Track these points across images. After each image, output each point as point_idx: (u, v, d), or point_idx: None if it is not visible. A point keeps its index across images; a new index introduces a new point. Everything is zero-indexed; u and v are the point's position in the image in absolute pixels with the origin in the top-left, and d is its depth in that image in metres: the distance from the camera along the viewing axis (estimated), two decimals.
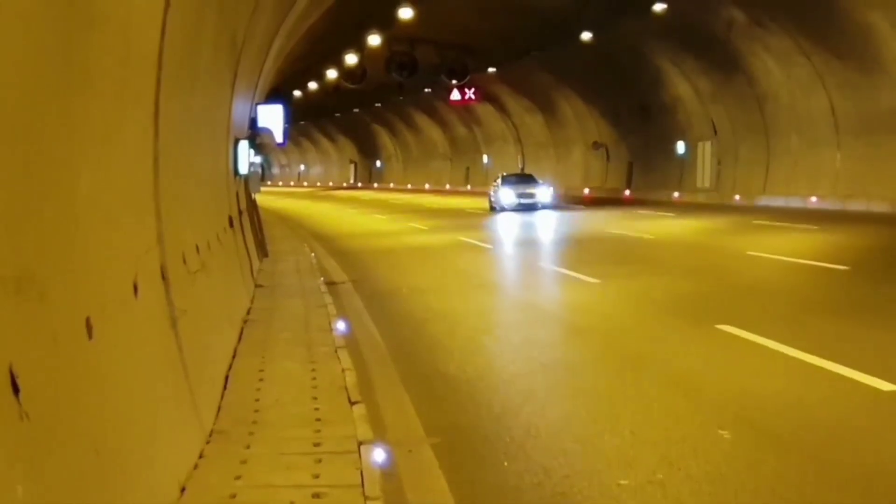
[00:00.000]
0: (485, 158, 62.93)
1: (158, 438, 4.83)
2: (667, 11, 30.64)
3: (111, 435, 3.93)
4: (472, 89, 50.67)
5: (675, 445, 6.15)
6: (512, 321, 12.20)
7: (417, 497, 5.48)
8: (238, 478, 5.22)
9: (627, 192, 42.92)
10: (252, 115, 18.36)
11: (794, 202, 30.90)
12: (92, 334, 3.73)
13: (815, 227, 22.25)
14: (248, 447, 5.82)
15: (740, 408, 7.07)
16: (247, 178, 16.64)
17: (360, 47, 38.63)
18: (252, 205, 18.79)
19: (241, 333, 9.76)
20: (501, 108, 56.39)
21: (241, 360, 8.49)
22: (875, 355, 8.48)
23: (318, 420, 6.41)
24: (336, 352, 8.74)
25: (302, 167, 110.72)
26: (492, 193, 38.55)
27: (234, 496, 4.94)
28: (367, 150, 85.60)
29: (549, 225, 29.19)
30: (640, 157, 43.19)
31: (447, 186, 67.12)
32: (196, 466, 5.34)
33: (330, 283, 14.87)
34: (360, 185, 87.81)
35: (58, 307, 3.46)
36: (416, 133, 72.66)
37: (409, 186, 73.23)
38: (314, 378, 7.72)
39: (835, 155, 30.25)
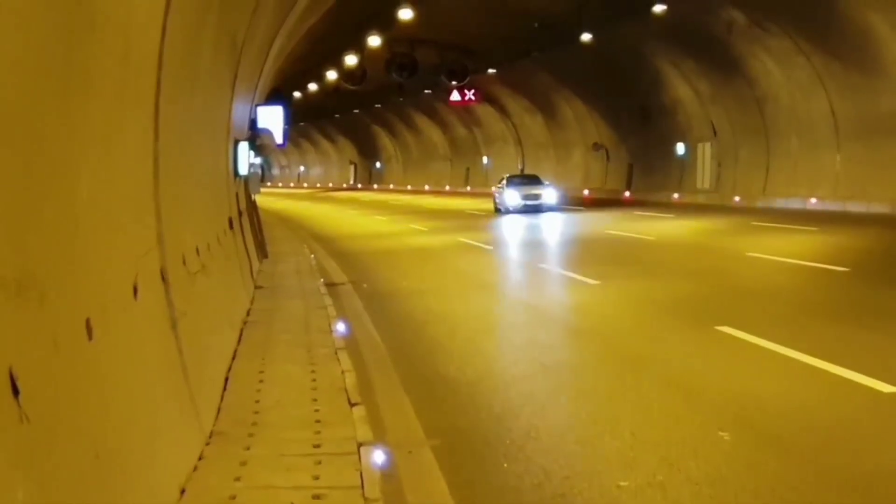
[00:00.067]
0: (485, 160, 62.92)
1: (158, 440, 4.83)
2: (666, 13, 30.63)
3: (111, 437, 3.93)
4: (472, 90, 50.67)
5: (675, 447, 6.15)
6: (512, 323, 12.20)
7: (417, 499, 5.47)
8: (238, 479, 5.22)
9: (627, 194, 42.91)
10: (252, 117, 18.36)
11: (794, 203, 30.90)
12: (92, 336, 3.73)
13: (815, 229, 22.25)
14: (247, 448, 5.82)
15: (740, 409, 7.07)
16: (247, 180, 16.64)
17: (360, 48, 38.62)
18: (252, 206, 18.79)
19: (240, 335, 9.76)
20: (501, 110, 56.40)
21: (240, 362, 8.49)
22: (875, 357, 8.47)
23: (318, 421, 6.41)
24: (336, 353, 8.74)
25: (302, 168, 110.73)
26: (496, 195, 38.01)
27: (233, 497, 4.94)
28: (367, 151, 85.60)
29: (548, 226, 29.18)
30: (640, 159, 43.19)
31: (447, 187, 67.11)
32: (196, 468, 5.34)
33: (330, 285, 14.86)
34: (359, 186, 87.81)
35: (58, 309, 3.46)
36: (416, 134, 72.67)
37: (408, 188, 73.22)
38: (314, 380, 7.72)
39: (835, 157, 30.26)
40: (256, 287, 13.75)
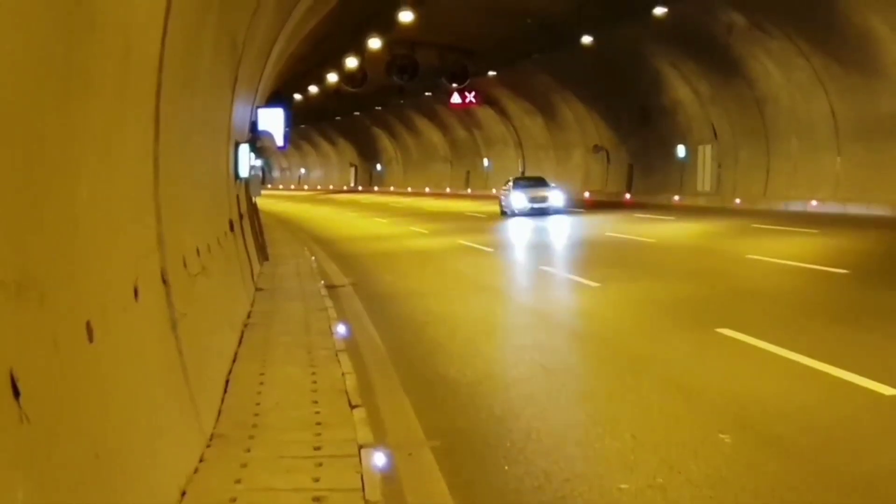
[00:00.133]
0: (485, 162, 62.95)
1: (158, 441, 4.83)
2: (667, 15, 30.66)
3: (111, 438, 3.93)
4: (473, 92, 50.69)
5: (675, 449, 6.15)
6: (512, 324, 12.19)
7: (418, 501, 5.47)
8: (238, 481, 5.22)
9: (628, 196, 42.91)
10: (252, 119, 18.37)
11: (795, 206, 30.90)
12: (92, 337, 3.73)
13: (816, 231, 22.24)
14: (248, 451, 5.82)
15: (741, 411, 7.07)
16: (247, 182, 16.64)
17: (360, 50, 38.65)
18: (252, 208, 18.80)
19: (241, 337, 9.76)
20: (502, 112, 56.42)
21: (241, 364, 8.49)
22: (875, 359, 8.47)
23: (319, 423, 6.41)
24: (336, 355, 8.75)
25: (302, 171, 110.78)
26: (502, 198, 37.36)
27: (234, 500, 4.94)
28: (368, 153, 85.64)
29: (548, 229, 29.17)
30: (641, 161, 43.19)
31: (447, 190, 67.12)
32: (196, 470, 5.34)
33: (330, 287, 14.87)
34: (360, 188, 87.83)
35: (58, 310, 3.46)
36: (417, 136, 72.71)
37: (409, 190, 73.24)
38: (314, 381, 7.72)
39: (835, 158, 30.27)
40: (257, 289, 13.75)
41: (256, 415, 6.71)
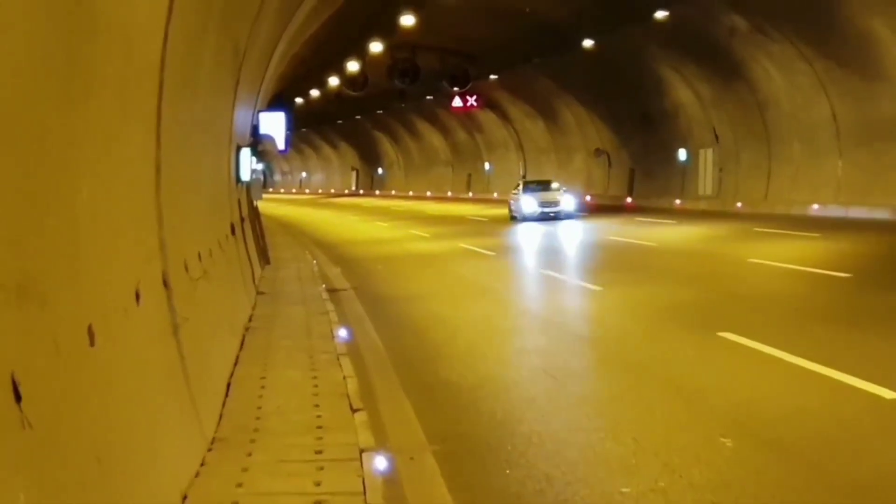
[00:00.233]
0: (486, 165, 62.96)
1: (160, 445, 4.83)
2: (668, 18, 30.67)
3: (113, 442, 3.93)
4: (474, 96, 50.69)
5: (677, 453, 6.14)
6: (514, 328, 12.18)
7: None
8: (239, 485, 5.22)
9: (629, 199, 42.88)
10: (254, 123, 18.38)
11: (796, 209, 30.87)
12: (94, 342, 3.73)
13: (817, 235, 22.23)
14: (249, 454, 5.82)
15: (742, 415, 7.06)
16: (249, 185, 16.65)
17: (361, 54, 38.65)
18: (254, 212, 18.80)
19: (242, 340, 9.76)
20: (503, 115, 56.43)
21: (242, 368, 8.49)
22: (877, 363, 8.46)
23: (320, 427, 6.41)
24: (338, 359, 8.75)
25: (304, 174, 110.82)
26: (512, 202, 36.45)
27: None
28: (369, 157, 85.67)
29: (550, 233, 29.16)
30: (642, 164, 43.17)
31: (449, 193, 67.13)
32: (198, 474, 5.34)
33: (332, 290, 14.87)
34: (361, 192, 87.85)
35: (60, 314, 3.46)
36: (418, 140, 72.72)
37: (410, 193, 73.24)
38: (316, 385, 7.72)
39: (836, 162, 30.25)
40: (258, 293, 13.75)
41: (258, 418, 6.71)
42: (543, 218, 33.78)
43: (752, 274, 16.11)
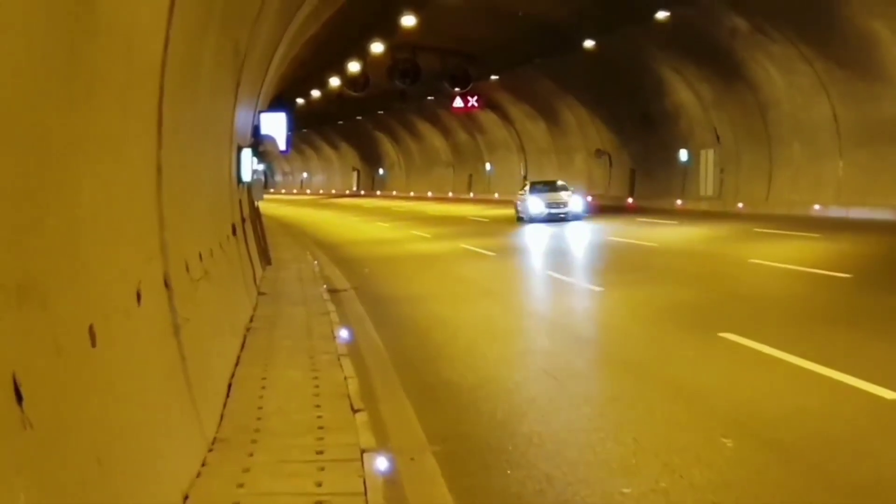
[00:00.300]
0: (487, 166, 62.97)
1: (161, 446, 4.83)
2: (669, 19, 30.67)
3: (114, 442, 3.93)
4: (475, 97, 50.69)
5: (677, 453, 6.14)
6: (514, 329, 12.19)
7: None
8: (241, 486, 5.22)
9: (630, 200, 42.88)
10: (255, 123, 18.38)
11: (797, 210, 30.87)
12: (95, 342, 3.74)
13: (818, 235, 22.23)
14: (250, 455, 5.83)
15: (743, 415, 7.06)
16: (250, 186, 16.66)
17: (362, 55, 38.67)
18: (255, 212, 18.81)
19: (243, 341, 9.76)
20: (504, 116, 56.44)
21: (243, 368, 8.49)
22: (878, 363, 8.46)
23: (321, 428, 6.42)
24: (339, 359, 8.75)
25: (305, 175, 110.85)
26: (518, 203, 35.68)
27: None
28: (370, 157, 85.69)
29: (552, 233, 29.15)
30: (643, 165, 43.18)
31: (450, 194, 67.16)
32: (199, 474, 5.35)
33: (332, 291, 14.88)
34: (362, 192, 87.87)
35: (61, 315, 3.46)
36: (419, 141, 72.74)
37: (411, 194, 73.26)
38: (317, 386, 7.73)
39: (837, 163, 30.25)
40: (259, 293, 13.76)
41: (259, 419, 6.71)
42: (551, 219, 33.12)
43: (752, 274, 16.11)
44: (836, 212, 28.97)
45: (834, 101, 29.68)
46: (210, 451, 5.85)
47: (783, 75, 31.44)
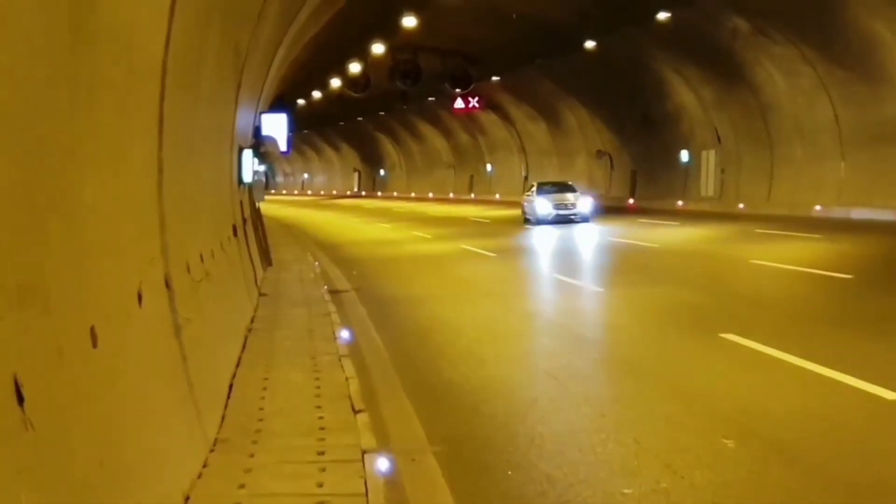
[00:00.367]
0: (488, 167, 62.99)
1: (162, 446, 4.83)
2: (670, 20, 30.67)
3: (115, 444, 3.94)
4: (476, 98, 50.75)
5: (679, 454, 6.14)
6: (515, 330, 12.18)
7: None
8: (242, 487, 5.23)
9: (631, 201, 42.89)
10: (256, 124, 18.39)
11: (799, 211, 30.87)
12: (96, 343, 3.74)
13: (819, 236, 22.23)
14: (251, 456, 5.83)
15: (744, 416, 7.06)
16: (251, 187, 16.66)
17: (363, 56, 38.69)
18: (256, 213, 18.81)
19: (244, 342, 9.77)
20: (505, 117, 56.46)
21: (244, 369, 8.50)
22: (878, 364, 8.47)
23: (322, 429, 6.42)
24: (340, 360, 8.75)
25: (305, 176, 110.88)
26: (525, 204, 34.79)
27: None
28: (371, 158, 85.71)
29: (552, 233, 29.15)
30: (644, 166, 43.19)
31: (451, 195, 67.17)
32: (200, 476, 5.35)
33: (333, 292, 14.88)
34: (363, 193, 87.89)
35: (62, 317, 3.47)
36: (420, 141, 72.77)
37: (412, 195, 73.29)
38: (318, 387, 7.73)
39: (839, 164, 30.24)
40: (260, 294, 13.76)
41: (260, 420, 6.71)
42: (559, 221, 32.34)
43: (754, 275, 16.10)
44: (837, 213, 28.97)
45: (835, 102, 29.68)
46: (211, 451, 5.85)
47: (784, 76, 31.44)
